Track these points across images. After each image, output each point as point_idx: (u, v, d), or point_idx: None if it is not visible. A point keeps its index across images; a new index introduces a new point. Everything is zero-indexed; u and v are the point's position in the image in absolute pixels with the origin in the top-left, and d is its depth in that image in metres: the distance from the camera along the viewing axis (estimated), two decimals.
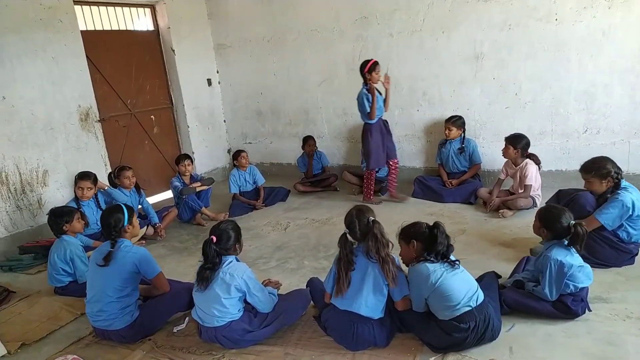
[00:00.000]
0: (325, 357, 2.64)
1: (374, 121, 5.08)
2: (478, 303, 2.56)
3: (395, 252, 2.74)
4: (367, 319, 2.64)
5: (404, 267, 2.79)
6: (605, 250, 3.35)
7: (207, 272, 2.69)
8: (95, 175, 4.52)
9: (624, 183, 3.35)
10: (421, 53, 5.62)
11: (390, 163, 5.31)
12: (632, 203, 3.25)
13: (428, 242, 2.63)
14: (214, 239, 2.72)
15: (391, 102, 5.94)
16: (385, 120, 5.29)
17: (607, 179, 3.33)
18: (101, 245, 3.01)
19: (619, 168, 3.36)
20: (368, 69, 4.88)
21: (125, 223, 2.98)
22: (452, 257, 2.65)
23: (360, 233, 2.64)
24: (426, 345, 2.65)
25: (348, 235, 2.68)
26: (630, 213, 3.27)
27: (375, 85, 4.96)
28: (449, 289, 2.52)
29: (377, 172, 5.81)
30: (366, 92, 4.96)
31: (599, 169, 3.36)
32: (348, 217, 2.71)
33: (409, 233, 2.71)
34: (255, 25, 6.59)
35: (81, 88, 5.25)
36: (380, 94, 5.09)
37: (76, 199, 4.45)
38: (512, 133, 4.74)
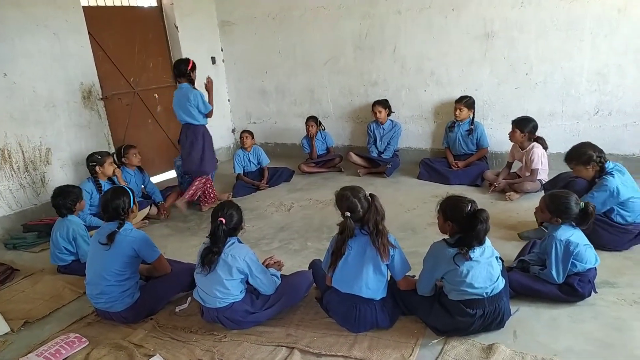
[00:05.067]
0: (327, 338, 2.62)
1: (207, 122, 4.77)
2: (493, 293, 2.48)
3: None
4: (369, 300, 2.61)
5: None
6: (604, 233, 3.31)
7: (214, 256, 2.64)
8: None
9: (609, 166, 3.36)
10: (430, 31, 5.49)
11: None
12: (616, 189, 3.25)
13: (464, 229, 2.45)
14: (224, 220, 2.67)
15: (398, 81, 5.88)
16: None
17: (591, 164, 3.37)
18: (104, 225, 2.98)
19: (600, 151, 3.39)
20: (192, 67, 4.54)
21: (131, 205, 2.96)
22: (483, 248, 2.47)
23: (362, 212, 2.56)
24: (429, 328, 2.63)
25: (350, 219, 2.56)
26: (618, 197, 3.26)
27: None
28: (468, 274, 2.43)
29: (381, 154, 5.76)
30: (195, 89, 4.55)
31: (579, 156, 3.41)
32: (345, 201, 2.57)
33: (447, 212, 2.53)
34: (261, 2, 6.44)
35: (83, 65, 5.18)
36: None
37: (94, 178, 4.43)
38: (520, 116, 4.64)
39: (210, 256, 2.64)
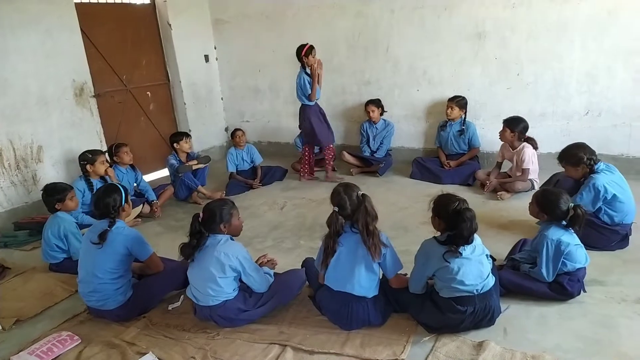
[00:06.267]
0: (320, 336, 2.64)
1: (312, 103, 5.28)
2: (483, 291, 2.51)
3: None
4: (361, 298, 2.63)
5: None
6: (591, 234, 3.32)
7: (189, 249, 2.70)
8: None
9: (600, 166, 3.39)
10: (422, 30, 5.51)
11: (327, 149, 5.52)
12: (603, 187, 3.29)
13: (450, 226, 2.51)
14: (201, 215, 2.71)
15: (391, 81, 5.91)
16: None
17: (580, 166, 3.41)
18: (96, 223, 2.98)
19: (592, 153, 3.42)
20: (305, 52, 5.02)
21: (123, 203, 2.96)
22: (473, 246, 2.52)
23: (351, 209, 2.59)
24: (421, 326, 2.66)
25: (337, 213, 2.60)
26: (605, 196, 3.30)
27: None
28: (459, 272, 2.46)
29: (374, 153, 5.79)
30: (306, 75, 5.13)
31: (569, 157, 3.47)
32: (336, 195, 2.62)
33: (436, 207, 2.61)
34: (254, 0, 6.44)
35: (75, 62, 5.14)
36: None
37: (86, 176, 4.41)
38: (511, 115, 4.69)
39: (185, 249, 2.71)
